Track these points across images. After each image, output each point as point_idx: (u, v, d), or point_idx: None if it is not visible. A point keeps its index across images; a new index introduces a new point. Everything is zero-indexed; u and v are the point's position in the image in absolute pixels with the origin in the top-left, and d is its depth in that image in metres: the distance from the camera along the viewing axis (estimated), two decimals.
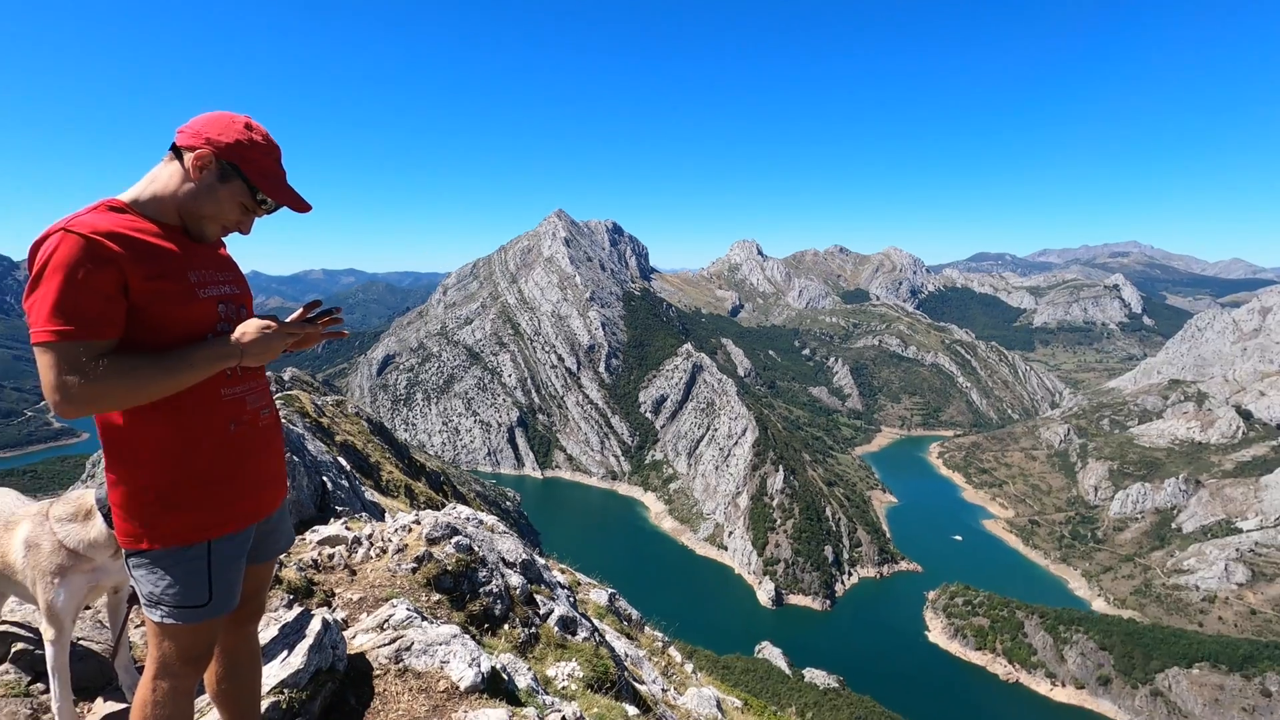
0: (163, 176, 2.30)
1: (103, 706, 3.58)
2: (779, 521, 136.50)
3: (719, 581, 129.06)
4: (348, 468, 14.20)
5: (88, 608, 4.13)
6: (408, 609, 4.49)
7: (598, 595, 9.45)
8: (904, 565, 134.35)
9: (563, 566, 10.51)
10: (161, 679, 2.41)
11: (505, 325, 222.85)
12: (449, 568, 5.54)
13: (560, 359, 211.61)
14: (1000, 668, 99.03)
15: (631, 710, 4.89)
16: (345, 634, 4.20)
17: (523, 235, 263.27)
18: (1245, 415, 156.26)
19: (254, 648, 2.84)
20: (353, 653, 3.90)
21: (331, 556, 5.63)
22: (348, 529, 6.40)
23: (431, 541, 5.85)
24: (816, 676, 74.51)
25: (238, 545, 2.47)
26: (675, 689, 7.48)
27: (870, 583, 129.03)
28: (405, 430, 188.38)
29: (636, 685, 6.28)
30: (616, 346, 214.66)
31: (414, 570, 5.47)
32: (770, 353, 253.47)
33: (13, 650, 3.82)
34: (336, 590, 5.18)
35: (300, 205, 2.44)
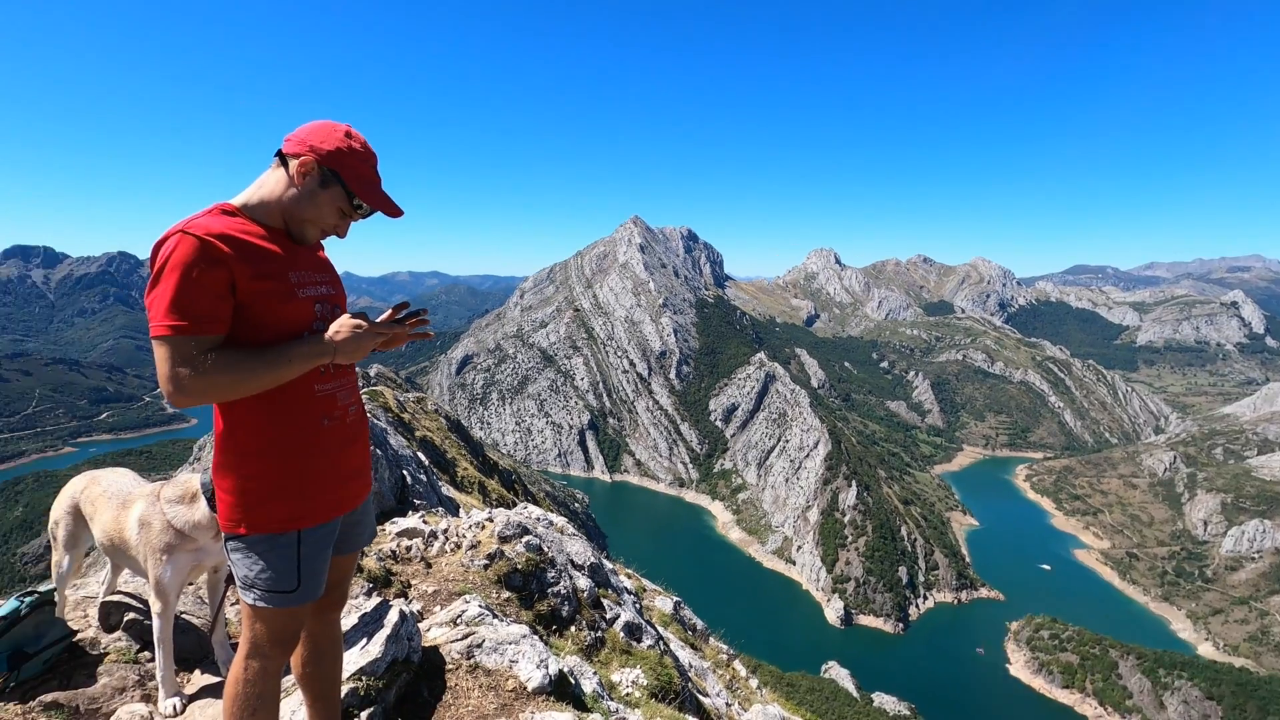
0: (269, 182, 2.43)
1: (200, 678, 3.83)
2: (850, 538, 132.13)
3: (785, 596, 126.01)
4: (426, 463, 14.72)
5: (190, 584, 4.43)
6: (480, 606, 4.57)
7: (663, 603, 9.38)
8: (985, 592, 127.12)
9: (629, 571, 10.49)
10: (253, 659, 2.53)
11: (579, 329, 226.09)
12: (519, 566, 5.63)
13: (632, 364, 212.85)
14: (1090, 709, 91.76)
15: None
16: (420, 626, 4.32)
17: (599, 241, 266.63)
18: None
19: (336, 635, 2.94)
20: (426, 645, 3.99)
21: (409, 549, 5.82)
22: (425, 522, 6.60)
23: (503, 539, 5.96)
24: (886, 702, 71.32)
25: (325, 536, 2.57)
26: (740, 704, 7.32)
27: (947, 608, 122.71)
28: (480, 428, 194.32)
29: (700, 697, 6.18)
30: (688, 353, 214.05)
31: (486, 567, 5.58)
32: (846, 364, 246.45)
33: (125, 619, 4.14)
34: (412, 582, 5.34)
35: (393, 210, 2.53)
